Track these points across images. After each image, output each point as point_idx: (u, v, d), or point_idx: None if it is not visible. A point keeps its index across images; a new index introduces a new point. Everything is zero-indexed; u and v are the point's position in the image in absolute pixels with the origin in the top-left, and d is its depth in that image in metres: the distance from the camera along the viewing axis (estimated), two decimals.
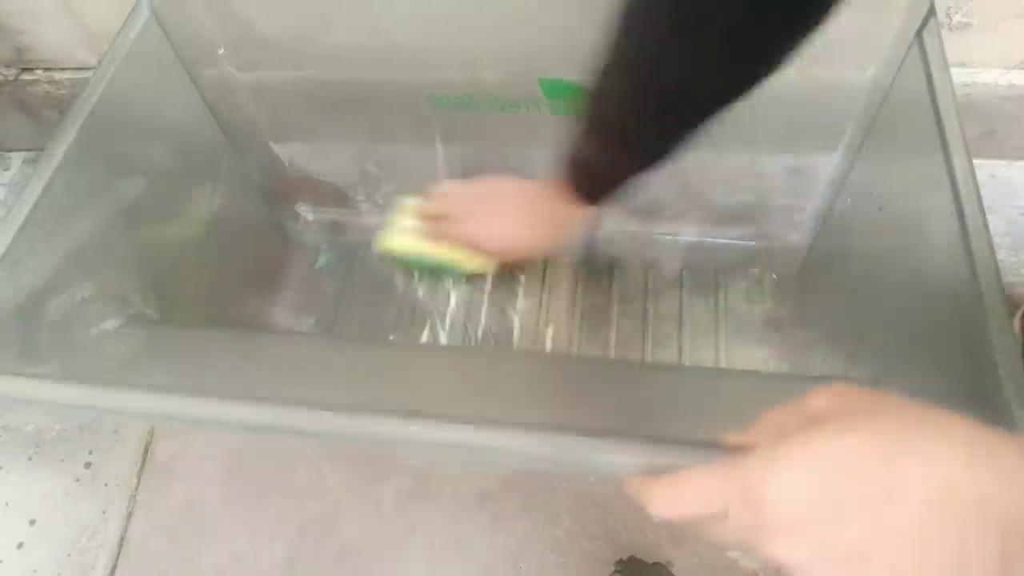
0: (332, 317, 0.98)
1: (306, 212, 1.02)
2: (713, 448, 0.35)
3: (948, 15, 0.85)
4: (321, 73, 0.79)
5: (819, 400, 0.31)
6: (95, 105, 0.62)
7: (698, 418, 0.51)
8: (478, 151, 0.86)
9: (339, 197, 0.98)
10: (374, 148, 0.91)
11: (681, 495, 0.32)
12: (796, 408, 0.32)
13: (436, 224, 0.63)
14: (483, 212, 0.61)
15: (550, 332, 0.94)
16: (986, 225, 0.51)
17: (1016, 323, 0.88)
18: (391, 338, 0.94)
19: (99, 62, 0.64)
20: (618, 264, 0.97)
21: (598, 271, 0.97)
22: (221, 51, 0.76)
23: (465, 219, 0.61)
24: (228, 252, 0.88)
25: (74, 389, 0.47)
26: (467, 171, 0.88)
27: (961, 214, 0.52)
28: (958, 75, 0.92)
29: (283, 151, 0.92)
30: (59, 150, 0.59)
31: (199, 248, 0.82)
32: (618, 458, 0.38)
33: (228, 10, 0.72)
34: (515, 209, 0.60)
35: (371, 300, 0.98)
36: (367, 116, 0.84)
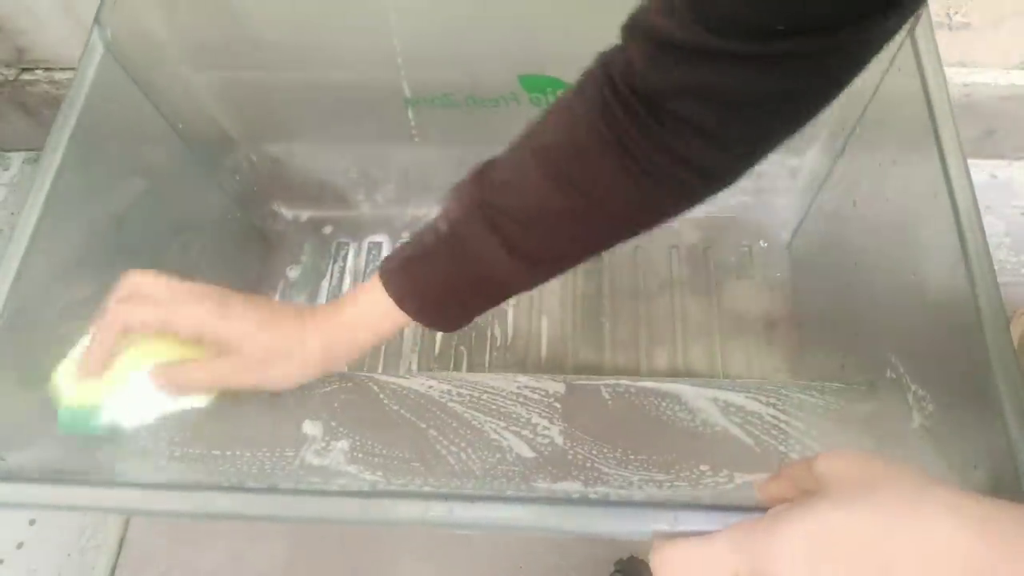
0: None
1: (285, 212, 1.02)
2: (725, 511, 0.35)
3: (948, 15, 0.85)
4: (299, 75, 0.79)
5: (823, 466, 0.31)
6: (66, 144, 0.60)
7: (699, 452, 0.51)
8: (460, 150, 0.86)
9: (319, 196, 0.99)
10: (353, 148, 0.90)
11: (691, 565, 0.32)
12: (805, 470, 0.32)
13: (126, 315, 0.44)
14: (220, 307, 0.44)
15: (545, 324, 0.94)
16: (980, 224, 0.51)
17: (1016, 323, 0.88)
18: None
19: (61, 105, 0.61)
20: (611, 254, 0.97)
21: (591, 261, 0.98)
22: (181, 61, 0.74)
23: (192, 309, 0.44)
24: (207, 262, 0.87)
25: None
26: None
27: (956, 211, 0.52)
28: (958, 75, 0.92)
29: (261, 154, 0.92)
30: (38, 199, 0.57)
31: (179, 261, 0.81)
32: (624, 526, 0.39)
33: (189, 17, 0.71)
34: (276, 318, 0.45)
35: None
36: (345, 117, 0.83)
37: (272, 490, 0.44)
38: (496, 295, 0.44)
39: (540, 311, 0.94)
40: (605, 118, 0.38)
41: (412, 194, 0.98)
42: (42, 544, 0.91)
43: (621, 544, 0.85)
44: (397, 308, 0.44)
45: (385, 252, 1.01)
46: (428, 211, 1.00)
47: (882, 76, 0.67)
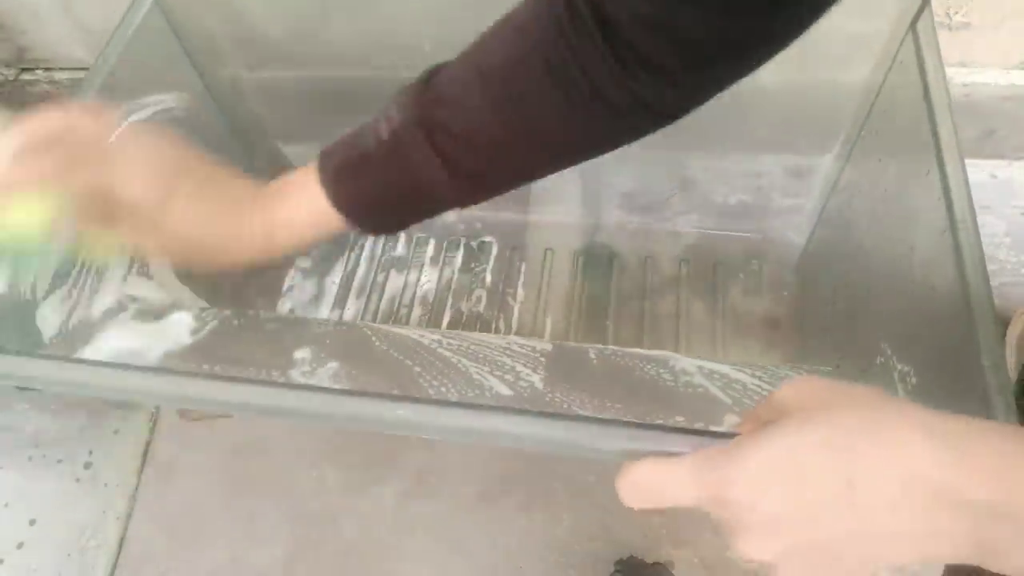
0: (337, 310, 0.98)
1: None
2: (696, 435, 0.35)
3: (948, 15, 0.85)
4: (323, 71, 0.79)
5: (784, 395, 0.31)
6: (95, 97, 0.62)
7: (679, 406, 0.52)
8: None
9: None
10: None
11: (653, 488, 0.32)
12: (768, 404, 0.32)
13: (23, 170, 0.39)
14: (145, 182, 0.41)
15: (549, 323, 0.94)
16: (975, 223, 0.51)
17: (1016, 323, 0.88)
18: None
19: (99, 55, 0.63)
20: (617, 256, 0.97)
21: (598, 262, 0.98)
22: (227, 47, 0.76)
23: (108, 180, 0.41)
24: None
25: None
26: None
27: (951, 209, 0.52)
28: (958, 75, 0.92)
29: (289, 150, 0.92)
30: None
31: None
32: (604, 442, 0.38)
33: (233, 8, 0.72)
34: (208, 196, 0.43)
35: (362, 294, 0.98)
36: (366, 112, 0.84)
37: (267, 382, 0.45)
38: (433, 210, 0.44)
39: (545, 310, 0.94)
40: (558, 44, 0.37)
41: None
42: (42, 544, 0.91)
43: (621, 544, 0.86)
44: (334, 210, 0.43)
45: (401, 246, 1.02)
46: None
47: (885, 74, 0.67)
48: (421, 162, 0.40)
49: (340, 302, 0.97)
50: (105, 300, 0.64)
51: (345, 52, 0.76)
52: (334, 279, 0.99)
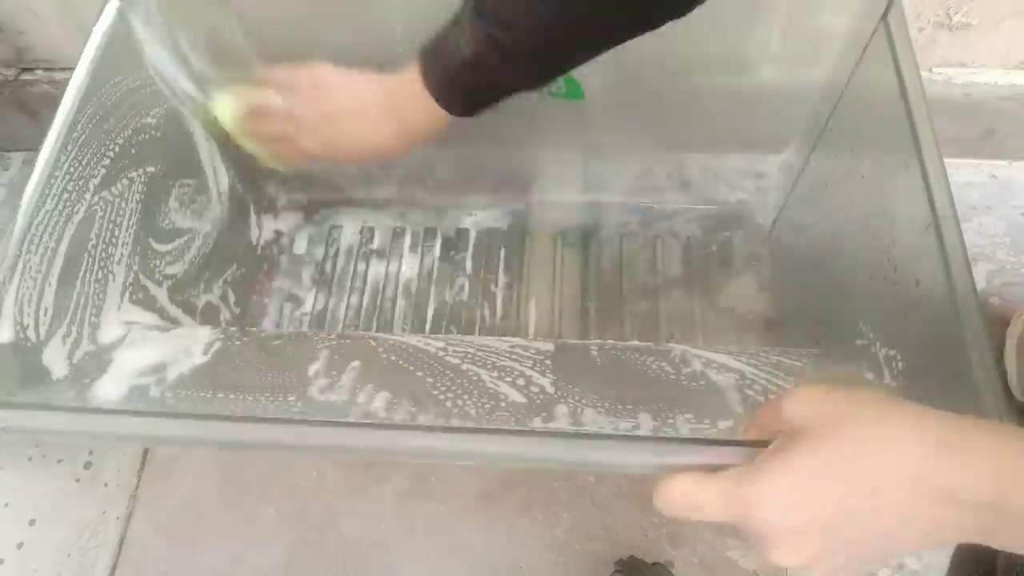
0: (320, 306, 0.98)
1: (281, 195, 1.03)
2: (713, 446, 0.38)
3: (948, 15, 0.85)
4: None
5: (793, 411, 0.34)
6: (74, 116, 0.62)
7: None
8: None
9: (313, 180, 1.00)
10: None
11: (690, 505, 0.35)
12: (775, 414, 0.35)
13: (259, 119, 0.58)
14: (319, 112, 0.56)
15: (532, 306, 0.95)
16: (956, 216, 0.52)
17: (1016, 323, 0.88)
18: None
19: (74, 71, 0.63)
20: (594, 235, 0.98)
21: (577, 243, 0.99)
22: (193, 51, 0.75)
23: (299, 120, 0.57)
24: (217, 249, 0.88)
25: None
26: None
27: (932, 202, 0.53)
28: (958, 75, 0.92)
29: None
30: (44, 159, 0.59)
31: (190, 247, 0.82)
32: (623, 457, 0.40)
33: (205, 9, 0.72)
34: (358, 109, 0.55)
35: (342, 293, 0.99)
36: None
37: (284, 420, 0.46)
38: (511, 95, 0.52)
39: (527, 295, 0.95)
40: None
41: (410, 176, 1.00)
42: (42, 544, 0.91)
43: (621, 544, 0.86)
44: (445, 112, 0.53)
45: (377, 236, 1.02)
46: (424, 195, 1.01)
47: (855, 66, 0.67)
48: (495, 73, 0.49)
49: (321, 296, 0.98)
50: (108, 331, 0.65)
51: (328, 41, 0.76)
52: (312, 274, 1.00)
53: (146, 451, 0.96)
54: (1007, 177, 1.03)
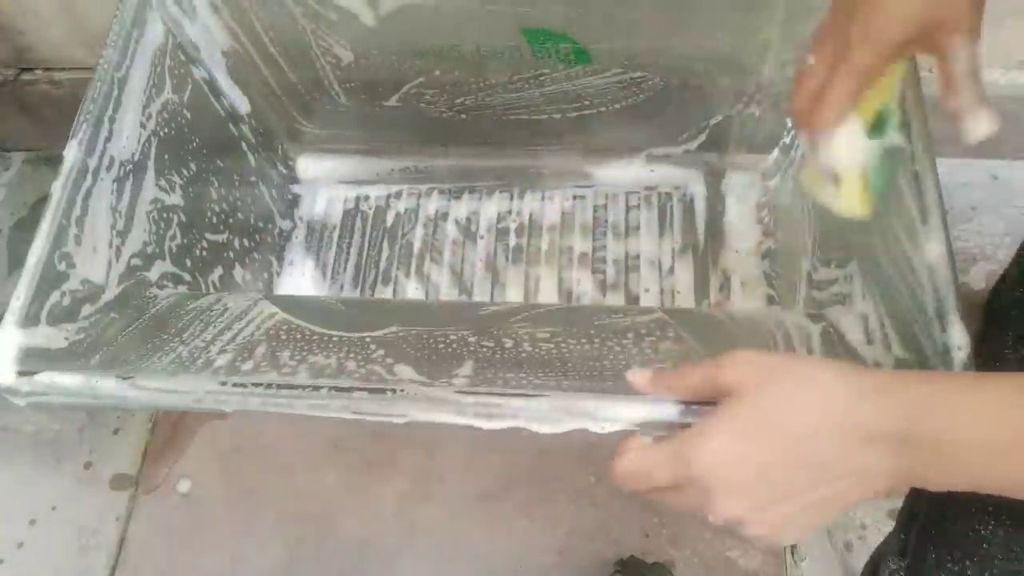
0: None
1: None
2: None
3: None
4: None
5: (728, 373, 0.36)
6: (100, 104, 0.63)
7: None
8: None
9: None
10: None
11: (641, 473, 0.37)
12: (713, 376, 0.37)
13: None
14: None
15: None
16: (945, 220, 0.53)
17: None
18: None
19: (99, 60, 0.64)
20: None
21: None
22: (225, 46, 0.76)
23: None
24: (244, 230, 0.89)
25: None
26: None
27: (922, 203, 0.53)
28: None
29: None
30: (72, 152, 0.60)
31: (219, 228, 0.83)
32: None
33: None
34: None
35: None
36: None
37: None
38: None
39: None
40: None
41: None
42: (42, 544, 0.91)
43: (621, 544, 0.85)
44: None
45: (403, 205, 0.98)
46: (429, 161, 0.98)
47: None
48: None
49: (343, 276, 0.95)
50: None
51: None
52: (331, 253, 0.96)
53: (146, 451, 0.96)
54: (1007, 177, 1.03)
